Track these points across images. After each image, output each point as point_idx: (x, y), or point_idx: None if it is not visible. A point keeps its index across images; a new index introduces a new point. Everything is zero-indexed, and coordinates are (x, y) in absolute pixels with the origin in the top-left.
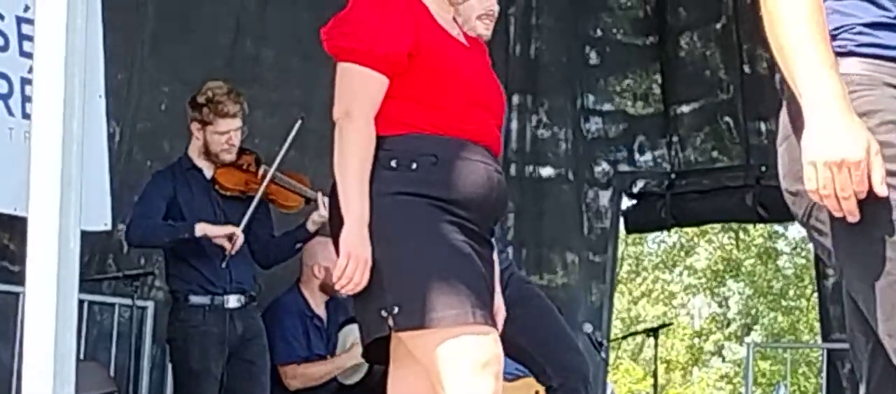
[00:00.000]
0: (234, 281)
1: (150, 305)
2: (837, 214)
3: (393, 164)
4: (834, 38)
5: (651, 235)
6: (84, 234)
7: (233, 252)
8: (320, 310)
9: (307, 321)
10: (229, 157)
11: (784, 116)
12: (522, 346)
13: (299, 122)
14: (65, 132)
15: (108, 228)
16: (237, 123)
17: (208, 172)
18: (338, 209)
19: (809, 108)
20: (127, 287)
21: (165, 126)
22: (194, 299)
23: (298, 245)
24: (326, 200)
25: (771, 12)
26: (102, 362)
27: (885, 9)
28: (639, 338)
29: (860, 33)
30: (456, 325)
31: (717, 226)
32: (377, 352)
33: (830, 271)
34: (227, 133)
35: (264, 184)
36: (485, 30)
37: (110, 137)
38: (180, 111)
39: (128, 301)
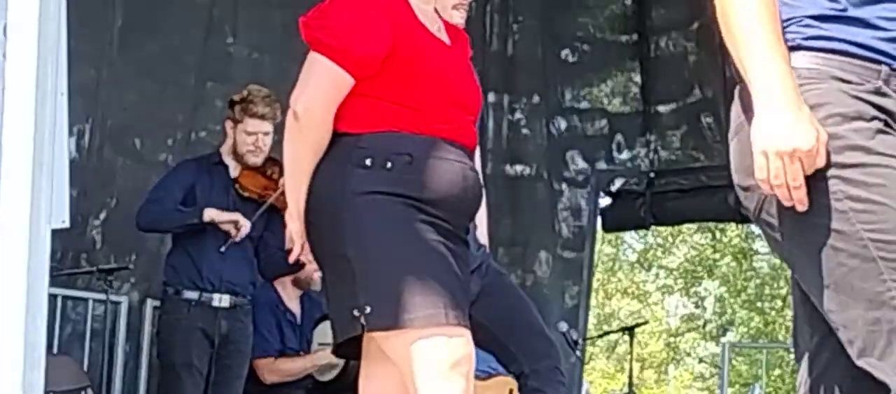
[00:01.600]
0: (225, 280)
1: (123, 300)
2: (787, 204)
3: (368, 162)
4: (783, 30)
5: (627, 235)
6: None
7: (237, 238)
8: (293, 305)
9: (280, 316)
10: (255, 159)
11: (736, 109)
12: (494, 335)
13: None
14: (36, 125)
15: (67, 225)
16: (266, 126)
17: (234, 171)
18: (315, 214)
19: (759, 97)
20: (101, 283)
21: (136, 123)
22: (185, 294)
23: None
24: None
25: (724, 5)
26: (76, 357)
27: (833, 1)
28: (613, 335)
29: (808, 26)
30: (428, 325)
31: (694, 226)
32: (349, 348)
33: None
34: (254, 134)
35: (279, 191)
36: (460, 19)
37: (80, 134)
38: (151, 108)
39: (102, 296)
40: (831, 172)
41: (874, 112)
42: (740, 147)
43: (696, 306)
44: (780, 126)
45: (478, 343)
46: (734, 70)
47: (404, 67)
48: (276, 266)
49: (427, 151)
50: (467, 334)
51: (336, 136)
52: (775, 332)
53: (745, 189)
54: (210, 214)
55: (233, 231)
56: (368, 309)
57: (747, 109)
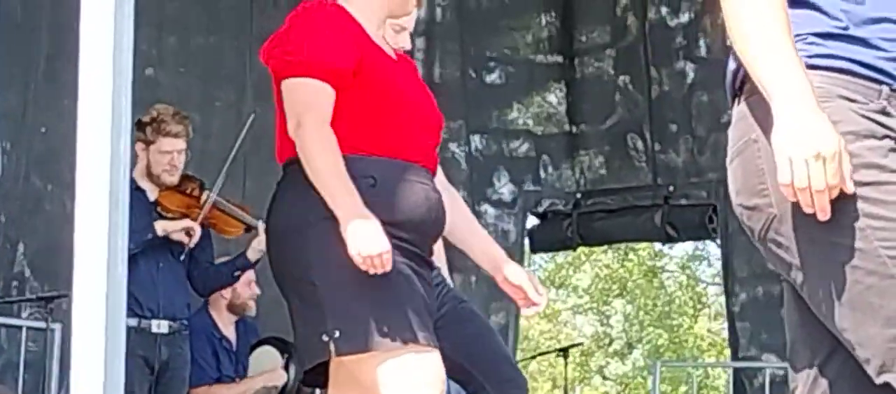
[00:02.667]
0: (163, 306)
1: (57, 327)
2: (809, 211)
3: None
4: None
5: (537, 255)
6: None
7: (191, 245)
8: (229, 331)
9: (216, 343)
10: (171, 178)
11: (737, 130)
12: (460, 363)
13: (234, 150)
14: (112, 154)
15: None
16: (180, 144)
17: (152, 194)
18: (281, 237)
19: (781, 106)
20: (35, 311)
21: (63, 149)
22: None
23: (237, 273)
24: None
25: (734, 11)
26: (10, 386)
27: (836, 19)
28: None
29: (812, 44)
30: (398, 347)
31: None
32: (316, 376)
33: (744, 291)
34: (169, 153)
35: (205, 208)
36: (404, 42)
37: (7, 159)
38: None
39: (38, 324)
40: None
41: (883, 130)
42: (745, 165)
43: (602, 324)
44: (804, 131)
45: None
46: (732, 87)
47: (364, 89)
48: (210, 282)
49: (391, 173)
50: (437, 353)
51: (300, 160)
52: (682, 350)
53: (751, 209)
54: (162, 225)
55: (185, 239)
56: (337, 333)
57: (761, 123)
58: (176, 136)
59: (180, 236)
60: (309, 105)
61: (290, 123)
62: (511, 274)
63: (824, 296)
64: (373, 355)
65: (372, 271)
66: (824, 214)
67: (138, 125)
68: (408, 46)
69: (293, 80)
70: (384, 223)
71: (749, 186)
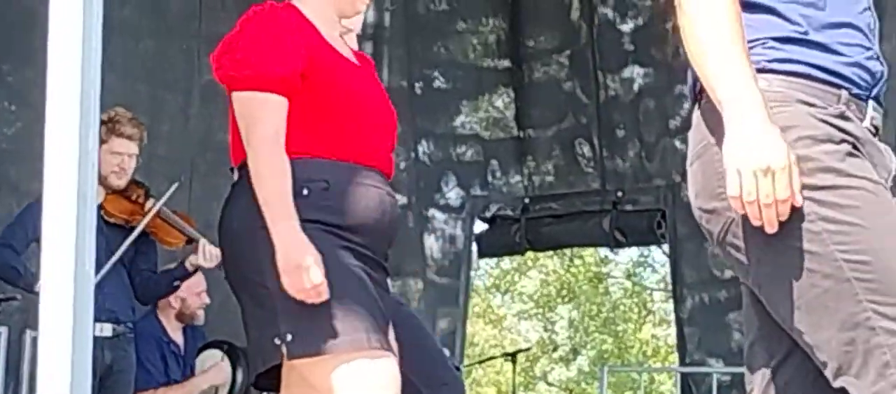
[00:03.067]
0: (106, 309)
1: (3, 332)
2: (757, 223)
3: None
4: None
5: (483, 260)
6: None
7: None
8: (177, 336)
9: (164, 347)
10: (118, 182)
11: (696, 134)
12: (399, 367)
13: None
14: (81, 151)
15: None
16: (133, 147)
17: (98, 197)
18: (235, 243)
19: (732, 117)
20: None
21: (12, 153)
22: None
23: (176, 283)
24: (208, 246)
25: (689, 21)
26: None
27: (795, 24)
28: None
29: (772, 48)
30: (351, 350)
31: (551, 251)
32: (268, 379)
33: (692, 296)
34: (121, 155)
35: (148, 217)
36: (352, 44)
37: None
38: (27, 137)
39: None
40: (803, 193)
41: (841, 135)
42: (704, 169)
43: (546, 330)
44: (754, 144)
45: None
46: (693, 91)
47: (318, 91)
48: (151, 290)
49: (344, 176)
50: (391, 356)
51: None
52: (627, 355)
53: (710, 212)
54: None
55: None
56: (289, 337)
57: (713, 131)
58: (129, 138)
59: None
60: (258, 120)
61: (242, 136)
62: None
63: (781, 299)
64: (325, 358)
65: (302, 296)
66: (772, 227)
67: None
68: (354, 48)
69: (243, 94)
70: (338, 227)
71: (708, 189)
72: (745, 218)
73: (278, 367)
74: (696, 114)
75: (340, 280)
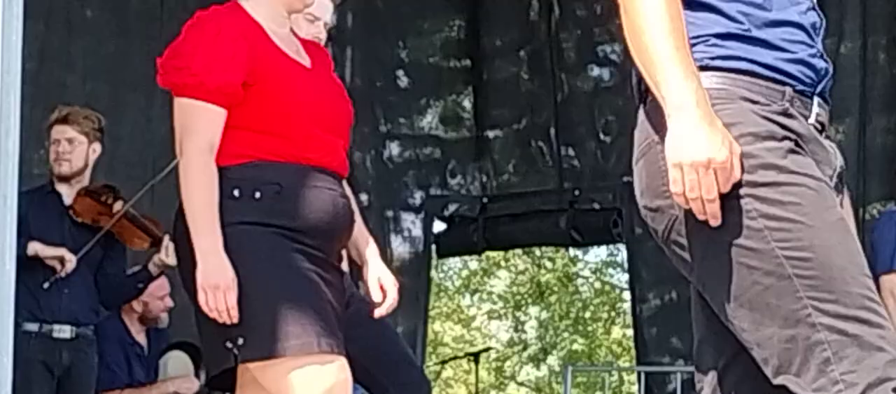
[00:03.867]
0: (65, 311)
1: None
2: (701, 218)
3: (235, 193)
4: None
5: (451, 260)
6: None
7: (62, 274)
8: (141, 337)
9: (128, 348)
10: (59, 168)
11: (641, 132)
12: (364, 366)
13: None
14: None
15: None
16: (66, 129)
17: (68, 198)
18: (182, 249)
19: (673, 113)
20: None
21: None
22: (25, 326)
23: (140, 285)
24: (171, 245)
25: (631, 20)
26: None
27: (736, 22)
28: (430, 361)
29: (714, 45)
30: (301, 354)
31: (520, 251)
32: (222, 380)
33: (657, 295)
34: (57, 141)
35: (114, 219)
36: (316, 30)
37: None
38: None
39: None
40: (744, 190)
41: (784, 132)
42: (648, 167)
43: (516, 330)
44: (695, 139)
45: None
46: (638, 91)
47: (265, 95)
48: (116, 294)
49: (295, 179)
50: (342, 360)
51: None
52: (597, 355)
53: (654, 210)
54: (34, 247)
55: (58, 267)
56: (241, 340)
57: (657, 128)
58: (63, 122)
59: (53, 263)
60: (192, 130)
61: (177, 145)
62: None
63: (723, 296)
64: (275, 362)
65: (212, 314)
66: (715, 221)
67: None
68: (322, 36)
69: (182, 101)
70: (289, 230)
71: (652, 187)
72: (688, 216)
73: (233, 369)
74: (641, 112)
75: (290, 284)
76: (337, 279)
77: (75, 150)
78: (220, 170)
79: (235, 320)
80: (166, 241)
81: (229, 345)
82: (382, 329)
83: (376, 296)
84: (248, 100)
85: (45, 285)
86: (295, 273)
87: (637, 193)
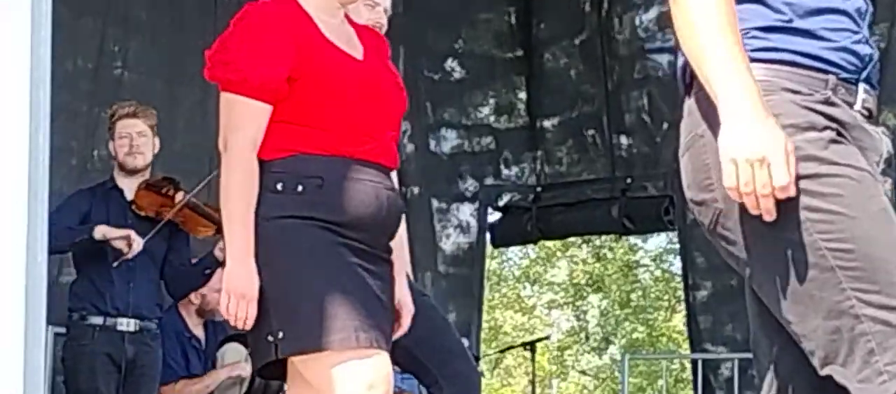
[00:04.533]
0: (132, 305)
1: None
2: (755, 212)
3: (278, 187)
4: None
5: (511, 250)
6: None
7: (130, 255)
8: (198, 331)
9: (185, 342)
10: (133, 162)
11: (687, 124)
12: (415, 356)
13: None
14: (31, 146)
15: None
16: (138, 124)
17: (129, 193)
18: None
19: (727, 108)
20: None
21: None
22: (90, 319)
23: (207, 272)
24: None
25: (682, 13)
26: None
27: (779, 12)
28: (489, 350)
29: (756, 38)
30: (341, 348)
31: (580, 240)
32: (273, 370)
33: (710, 283)
34: (126, 136)
35: (176, 208)
36: (377, 16)
37: None
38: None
39: None
40: None
41: (826, 122)
42: (693, 161)
43: (578, 319)
44: (750, 134)
45: (399, 364)
46: (683, 81)
47: (312, 88)
48: (183, 283)
49: (339, 172)
50: (382, 354)
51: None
52: (659, 344)
53: (699, 204)
54: (101, 230)
55: (125, 248)
56: (281, 334)
57: (703, 121)
58: (129, 116)
59: (120, 244)
60: (237, 127)
61: (220, 140)
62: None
63: (770, 289)
64: (316, 356)
65: (229, 318)
66: (770, 216)
67: (108, 127)
68: (383, 22)
69: (227, 96)
70: (333, 223)
71: (697, 181)
72: (731, 209)
73: (283, 360)
74: (688, 103)
75: (332, 278)
76: (384, 270)
77: (146, 143)
78: (263, 163)
79: (249, 328)
80: None
81: (270, 338)
82: (434, 319)
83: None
84: (294, 94)
85: (115, 264)
86: (337, 267)
87: (684, 185)
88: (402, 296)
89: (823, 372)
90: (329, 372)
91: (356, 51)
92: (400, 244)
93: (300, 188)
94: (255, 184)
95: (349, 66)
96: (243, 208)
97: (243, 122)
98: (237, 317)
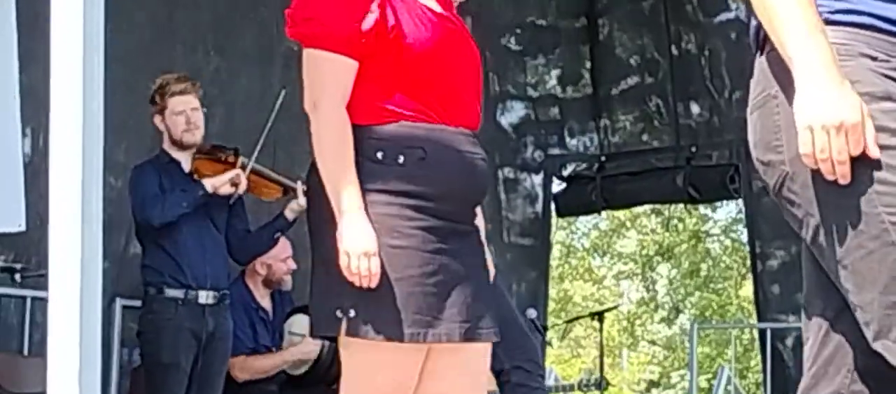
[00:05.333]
0: (209, 276)
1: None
2: (830, 178)
3: (379, 156)
4: None
5: (580, 220)
6: (2, 234)
7: (240, 191)
8: (265, 302)
9: (253, 314)
10: (192, 137)
11: (758, 83)
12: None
13: (273, 116)
14: (85, 114)
15: (23, 228)
16: (192, 101)
17: (186, 164)
18: (315, 199)
19: (802, 72)
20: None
21: None
22: (169, 292)
23: (277, 234)
24: (304, 187)
25: None
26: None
27: None
28: (559, 320)
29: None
30: (410, 341)
31: (649, 211)
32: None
33: (778, 251)
34: (183, 112)
35: (247, 170)
36: None
37: (34, 137)
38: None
39: None
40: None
41: None
42: (763, 121)
43: (647, 290)
44: (826, 100)
45: None
46: (755, 40)
47: (404, 46)
48: (252, 247)
49: (440, 143)
50: (418, 353)
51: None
52: (729, 313)
53: (766, 164)
54: (212, 182)
55: (232, 190)
56: (353, 312)
57: (774, 81)
58: (183, 93)
59: (227, 189)
60: (325, 85)
61: (307, 99)
62: None
63: (830, 256)
64: (379, 344)
65: (353, 278)
66: (845, 180)
67: (151, 100)
68: None
69: (311, 53)
70: (425, 198)
71: (765, 141)
72: (797, 172)
73: None
74: (760, 62)
75: (417, 267)
76: (468, 245)
77: (200, 117)
78: (363, 128)
79: (375, 286)
80: (300, 186)
81: (339, 314)
82: (498, 296)
83: None
84: (386, 51)
85: (231, 202)
86: (423, 255)
87: (751, 143)
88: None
89: (875, 346)
90: (360, 361)
91: (437, 7)
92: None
93: (401, 159)
94: (350, 139)
95: (437, 22)
96: (342, 166)
97: (331, 79)
98: (361, 274)
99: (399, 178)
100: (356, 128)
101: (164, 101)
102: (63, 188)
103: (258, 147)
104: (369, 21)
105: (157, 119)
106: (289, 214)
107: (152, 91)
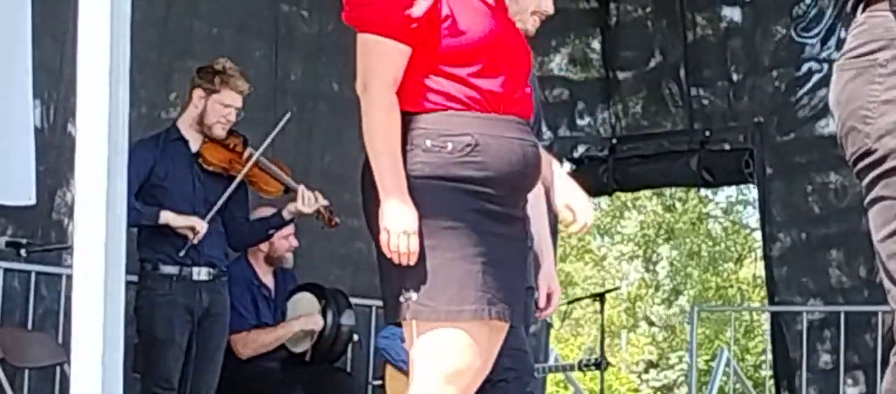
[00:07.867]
0: (204, 254)
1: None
2: None
3: (428, 144)
4: None
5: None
6: (9, 208)
7: (195, 241)
8: (267, 280)
9: (255, 291)
10: (221, 132)
11: (860, 40)
12: None
13: (288, 114)
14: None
15: (33, 202)
16: (239, 101)
17: (194, 144)
18: (370, 194)
19: None
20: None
21: None
22: (163, 269)
23: (271, 231)
24: (306, 192)
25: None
26: (50, 333)
27: None
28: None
29: None
30: (471, 320)
31: (650, 192)
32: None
33: (782, 235)
34: (229, 107)
35: (248, 166)
36: (533, 27)
37: (44, 110)
38: None
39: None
40: None
41: None
42: (861, 86)
43: (647, 271)
44: None
45: None
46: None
47: (457, 34)
48: (245, 237)
49: (488, 130)
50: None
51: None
52: (730, 296)
53: (849, 129)
54: (166, 217)
55: (190, 235)
56: (414, 296)
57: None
58: (240, 92)
59: (185, 231)
60: (375, 69)
61: (358, 82)
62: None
63: (882, 233)
64: (440, 324)
65: (393, 256)
66: None
67: (202, 73)
68: (531, 31)
69: (365, 37)
70: (478, 184)
71: (854, 107)
72: (880, 148)
73: None
74: (863, 16)
75: (471, 247)
76: (519, 229)
77: (234, 116)
78: (412, 116)
79: (413, 263)
80: (302, 190)
81: (403, 299)
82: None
83: (567, 217)
84: (437, 39)
85: (181, 254)
86: (477, 235)
87: (831, 96)
88: (572, 198)
89: None
90: (429, 343)
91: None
92: (544, 156)
93: (450, 147)
94: (397, 121)
95: (490, 13)
96: (390, 146)
97: (382, 62)
98: (400, 253)
99: (449, 164)
100: (406, 114)
101: (218, 86)
102: (89, 173)
103: (266, 142)
104: (421, 7)
105: (198, 94)
106: (286, 214)
107: (211, 70)
